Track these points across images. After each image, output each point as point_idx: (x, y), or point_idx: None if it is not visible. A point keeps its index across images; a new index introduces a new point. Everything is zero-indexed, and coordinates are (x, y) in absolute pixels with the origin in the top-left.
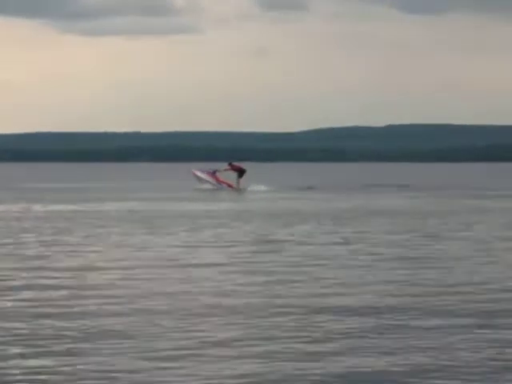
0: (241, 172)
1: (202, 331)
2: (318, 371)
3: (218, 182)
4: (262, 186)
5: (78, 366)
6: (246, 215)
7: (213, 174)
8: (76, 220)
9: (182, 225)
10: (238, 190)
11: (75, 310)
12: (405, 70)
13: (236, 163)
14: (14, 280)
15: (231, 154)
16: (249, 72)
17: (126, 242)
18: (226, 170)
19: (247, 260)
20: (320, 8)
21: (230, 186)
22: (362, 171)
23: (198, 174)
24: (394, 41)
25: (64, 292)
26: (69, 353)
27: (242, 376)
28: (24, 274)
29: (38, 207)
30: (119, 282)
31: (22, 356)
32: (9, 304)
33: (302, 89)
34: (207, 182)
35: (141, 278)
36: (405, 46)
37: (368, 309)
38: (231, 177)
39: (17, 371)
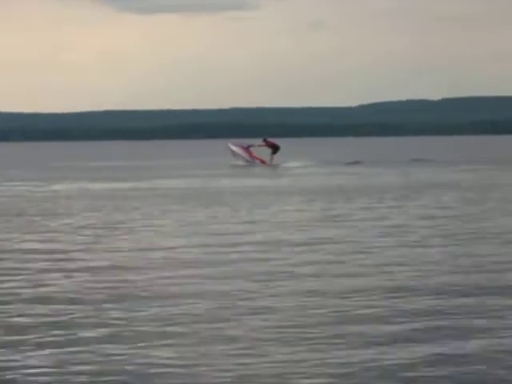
0: (275, 148)
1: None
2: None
3: (252, 157)
4: (296, 163)
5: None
6: (301, 191)
7: (247, 148)
8: (140, 198)
9: (244, 201)
10: (271, 166)
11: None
12: (458, 42)
13: (270, 139)
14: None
15: (287, 129)
16: (305, 46)
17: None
18: (260, 145)
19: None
20: None
21: (263, 161)
22: (414, 145)
23: (233, 147)
24: (448, 13)
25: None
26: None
27: (372, 360)
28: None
29: (99, 185)
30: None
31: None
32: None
33: (357, 63)
34: (241, 156)
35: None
36: (457, 19)
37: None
38: (264, 153)
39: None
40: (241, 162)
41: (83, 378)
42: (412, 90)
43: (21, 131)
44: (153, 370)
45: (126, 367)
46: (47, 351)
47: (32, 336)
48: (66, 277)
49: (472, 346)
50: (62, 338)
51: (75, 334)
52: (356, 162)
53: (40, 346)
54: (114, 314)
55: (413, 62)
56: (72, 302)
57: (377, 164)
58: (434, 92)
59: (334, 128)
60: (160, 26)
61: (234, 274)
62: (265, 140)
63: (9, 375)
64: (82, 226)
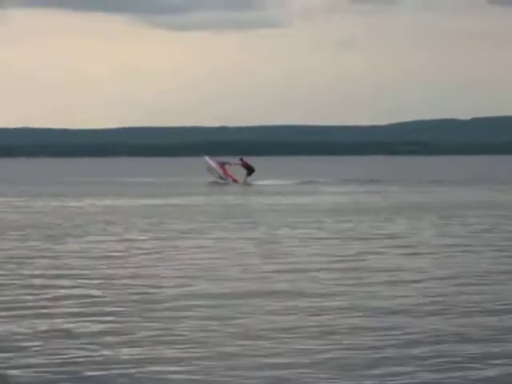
0: (250, 170)
1: None
2: None
3: (226, 174)
4: (271, 181)
5: None
6: (331, 210)
7: (222, 165)
8: (176, 214)
9: (291, 218)
10: (243, 185)
11: None
12: (489, 62)
13: (246, 161)
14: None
15: (315, 147)
16: (334, 64)
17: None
18: (235, 164)
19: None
20: (408, 1)
21: (235, 180)
22: (439, 165)
23: (210, 162)
24: (477, 32)
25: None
26: None
27: None
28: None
29: (127, 201)
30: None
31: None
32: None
33: (386, 81)
34: (216, 171)
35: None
36: (487, 36)
37: None
38: (238, 173)
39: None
40: (214, 178)
41: None
42: (441, 109)
43: (48, 147)
44: None
45: None
46: None
47: None
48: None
49: None
50: None
51: None
52: (372, 181)
53: None
54: None
55: (442, 80)
56: None
57: (394, 183)
58: (463, 111)
59: (362, 146)
60: (190, 42)
61: None
62: (241, 160)
63: None
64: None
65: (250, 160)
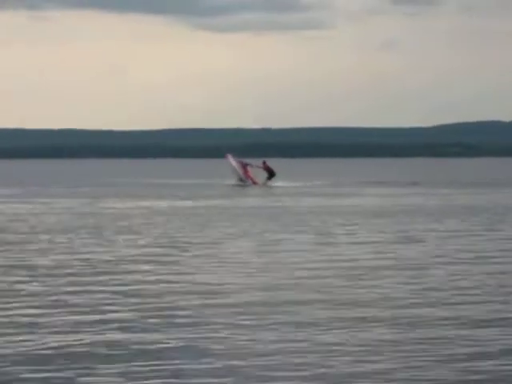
0: (271, 174)
1: None
2: None
3: (246, 175)
4: (286, 183)
5: None
6: (372, 211)
7: (245, 166)
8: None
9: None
10: (263, 187)
11: None
12: None
13: (268, 164)
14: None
15: (359, 149)
16: (377, 66)
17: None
18: (258, 167)
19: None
20: (452, 2)
21: (254, 183)
22: (482, 167)
23: (231, 160)
24: None
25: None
26: None
27: None
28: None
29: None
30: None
31: None
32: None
33: (429, 82)
34: (236, 172)
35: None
36: None
37: None
38: (259, 175)
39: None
40: (234, 180)
41: None
42: (485, 111)
43: (94, 148)
44: None
45: None
46: None
47: None
48: None
49: None
50: None
51: None
52: (415, 183)
53: None
54: None
55: (485, 81)
56: None
57: (440, 185)
58: (507, 113)
59: (405, 148)
60: (232, 44)
61: None
62: (264, 163)
63: None
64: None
65: (288, 162)
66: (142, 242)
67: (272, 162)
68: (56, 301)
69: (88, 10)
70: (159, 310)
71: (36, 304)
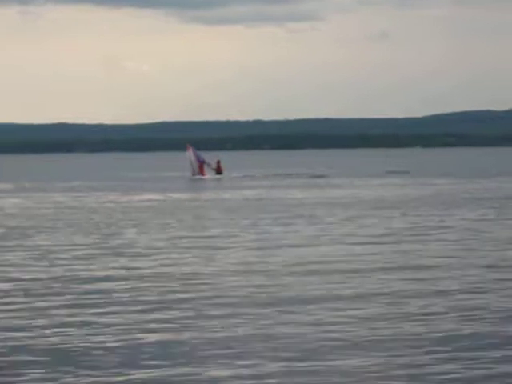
0: (218, 173)
1: None
2: None
3: (200, 171)
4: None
5: None
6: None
7: (201, 162)
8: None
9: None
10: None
11: None
12: None
13: (221, 165)
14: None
15: (350, 140)
16: (368, 57)
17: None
18: (212, 167)
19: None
20: None
21: (203, 177)
22: (476, 156)
23: (191, 152)
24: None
25: None
26: None
27: None
28: None
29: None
30: None
31: None
32: None
33: (421, 73)
34: (191, 165)
35: None
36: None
37: None
38: (209, 172)
39: None
40: (188, 173)
41: None
42: (477, 101)
43: (84, 142)
44: None
45: None
46: None
47: None
48: None
49: None
50: None
51: None
52: (392, 172)
53: None
54: None
55: (477, 71)
56: None
57: (435, 175)
58: (499, 102)
59: (398, 139)
60: (225, 37)
61: None
62: (218, 162)
63: None
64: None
65: (282, 154)
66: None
67: (263, 154)
68: None
69: (81, 4)
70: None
71: None
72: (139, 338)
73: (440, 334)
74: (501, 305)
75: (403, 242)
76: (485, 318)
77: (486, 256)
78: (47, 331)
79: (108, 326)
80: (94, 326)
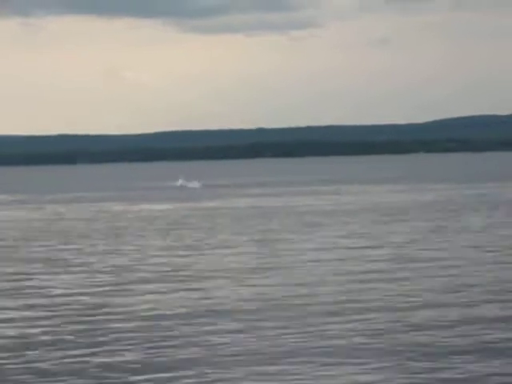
0: None
1: None
2: None
3: None
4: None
5: None
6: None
7: None
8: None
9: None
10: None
11: None
12: None
13: None
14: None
15: (351, 147)
16: (369, 63)
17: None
18: None
19: None
20: None
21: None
22: (480, 162)
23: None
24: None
25: None
26: None
27: None
28: None
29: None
30: None
31: None
32: None
33: (423, 78)
34: None
35: None
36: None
37: None
38: None
39: None
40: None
41: None
42: (479, 106)
43: (86, 153)
44: None
45: None
46: None
47: None
48: None
49: None
50: None
51: None
52: (408, 179)
53: None
54: None
55: (479, 76)
56: None
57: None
58: (502, 107)
59: (400, 145)
60: (224, 46)
61: None
62: None
63: None
64: None
65: (285, 162)
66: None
67: (264, 163)
68: None
69: (79, 15)
70: None
71: None
72: None
73: None
74: None
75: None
76: None
77: None
78: None
79: None
80: None
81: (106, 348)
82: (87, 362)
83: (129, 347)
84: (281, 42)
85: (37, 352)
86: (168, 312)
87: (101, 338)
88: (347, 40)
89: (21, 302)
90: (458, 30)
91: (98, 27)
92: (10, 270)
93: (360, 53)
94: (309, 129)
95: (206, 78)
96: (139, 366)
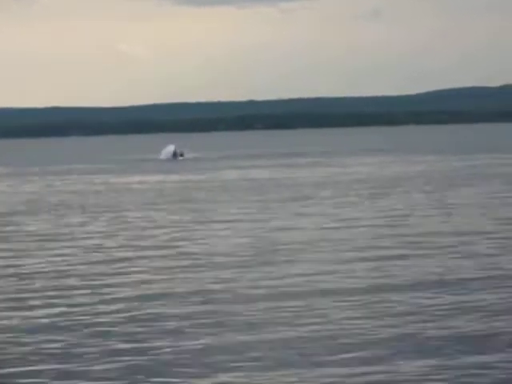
0: None
1: None
2: None
3: None
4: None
5: None
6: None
7: None
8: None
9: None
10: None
11: None
12: None
13: None
14: None
15: (345, 119)
16: (359, 35)
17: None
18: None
19: None
20: None
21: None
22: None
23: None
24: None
25: None
26: None
27: None
28: None
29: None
30: None
31: None
32: None
33: (413, 50)
34: None
35: None
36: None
37: None
38: None
39: None
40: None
41: None
42: (471, 78)
43: (79, 126)
44: None
45: None
46: None
47: None
48: None
49: None
50: None
51: None
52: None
53: None
54: None
55: (469, 47)
56: None
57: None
58: (493, 78)
59: (392, 116)
60: (216, 18)
61: None
62: None
63: None
64: None
65: (276, 133)
66: None
67: (257, 134)
68: None
69: None
70: None
71: None
72: None
73: None
74: None
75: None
76: None
77: None
78: None
79: None
80: None
81: None
82: None
83: None
84: (272, 13)
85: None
86: None
87: None
88: (339, 12)
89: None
90: (451, 1)
91: (92, 0)
92: None
93: (351, 25)
94: (300, 100)
95: (198, 50)
96: None
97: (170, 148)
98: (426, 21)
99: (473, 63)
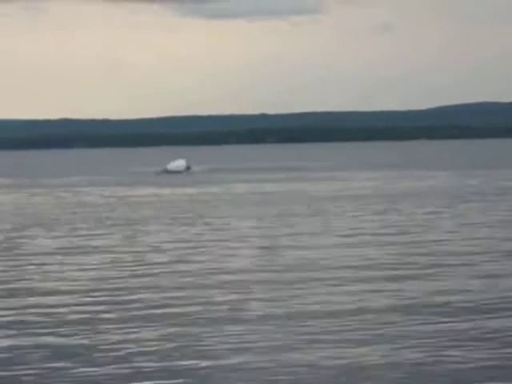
0: None
1: None
2: None
3: None
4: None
5: None
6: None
7: None
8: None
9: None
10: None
11: None
12: None
13: None
14: None
15: (353, 134)
16: (371, 49)
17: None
18: None
19: None
20: None
21: None
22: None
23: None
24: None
25: None
26: None
27: None
28: None
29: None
30: None
31: None
32: None
33: (425, 65)
34: None
35: None
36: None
37: None
38: None
39: None
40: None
41: None
42: (481, 93)
43: (88, 138)
44: None
45: None
46: None
47: None
48: None
49: None
50: None
51: None
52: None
53: None
54: None
55: (481, 63)
56: None
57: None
58: (503, 94)
59: (402, 131)
60: (227, 31)
61: None
62: None
63: None
64: None
65: (287, 147)
66: None
67: (268, 148)
68: None
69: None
70: None
71: None
72: None
73: None
74: None
75: None
76: None
77: None
78: None
79: None
80: None
81: None
82: None
83: None
84: (283, 27)
85: None
86: None
87: None
88: (349, 25)
89: None
90: (461, 14)
91: (99, 12)
92: None
93: (362, 38)
94: (311, 115)
95: (207, 63)
96: None
97: (180, 162)
98: (438, 36)
99: (484, 78)
